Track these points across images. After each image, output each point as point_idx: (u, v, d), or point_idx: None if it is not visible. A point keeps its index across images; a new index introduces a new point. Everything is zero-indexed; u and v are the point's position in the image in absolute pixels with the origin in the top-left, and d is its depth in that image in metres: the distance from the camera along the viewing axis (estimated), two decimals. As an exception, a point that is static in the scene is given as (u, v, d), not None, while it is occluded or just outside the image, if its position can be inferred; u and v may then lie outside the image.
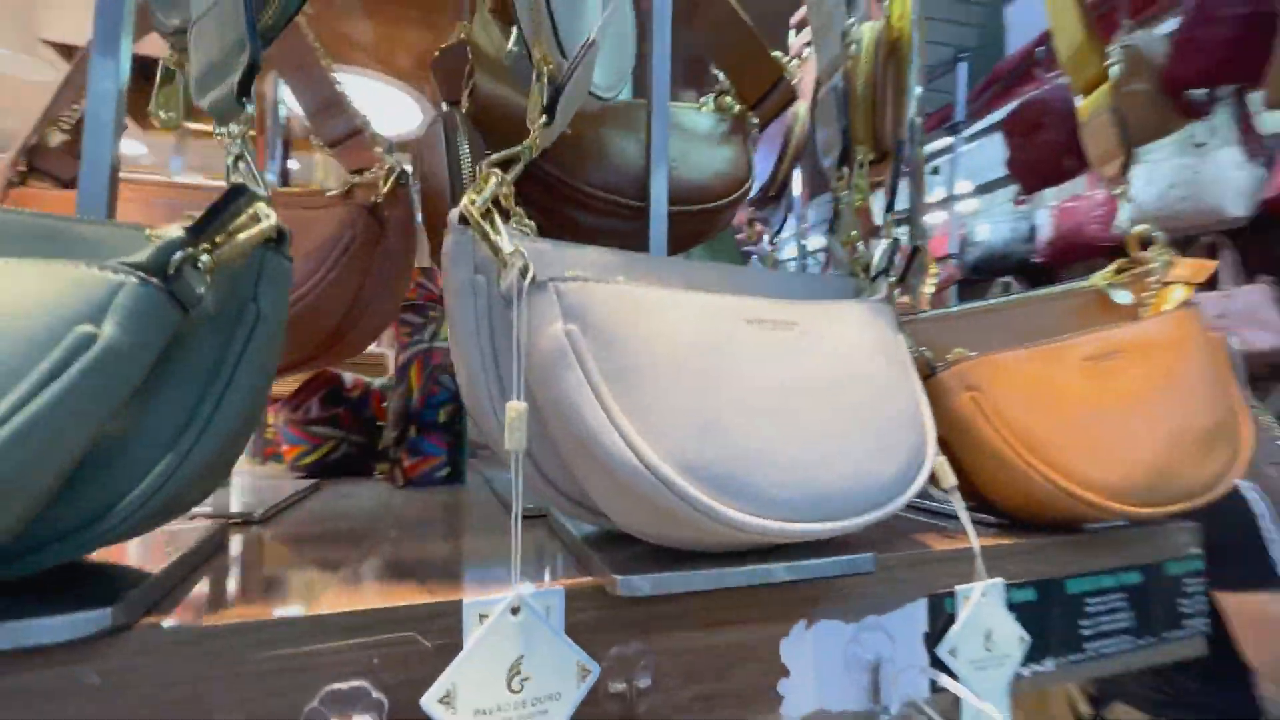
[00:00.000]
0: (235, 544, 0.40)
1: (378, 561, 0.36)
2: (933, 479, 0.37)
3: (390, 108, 1.13)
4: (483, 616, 0.26)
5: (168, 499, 0.25)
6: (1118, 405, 0.42)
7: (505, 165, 0.32)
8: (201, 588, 0.30)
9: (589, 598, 0.30)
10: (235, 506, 0.48)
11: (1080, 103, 0.56)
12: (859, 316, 0.37)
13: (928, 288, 0.57)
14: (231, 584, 0.32)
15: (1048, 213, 2.19)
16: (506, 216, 0.32)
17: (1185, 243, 1.71)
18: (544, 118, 0.33)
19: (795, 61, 0.71)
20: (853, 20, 0.45)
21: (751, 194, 0.70)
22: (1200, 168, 1.63)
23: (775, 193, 0.66)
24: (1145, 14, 1.62)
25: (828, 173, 0.47)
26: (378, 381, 0.76)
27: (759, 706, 0.33)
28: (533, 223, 0.33)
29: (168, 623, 0.25)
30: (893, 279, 0.44)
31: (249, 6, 0.28)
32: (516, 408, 0.27)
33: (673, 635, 0.31)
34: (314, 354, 0.48)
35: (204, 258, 0.24)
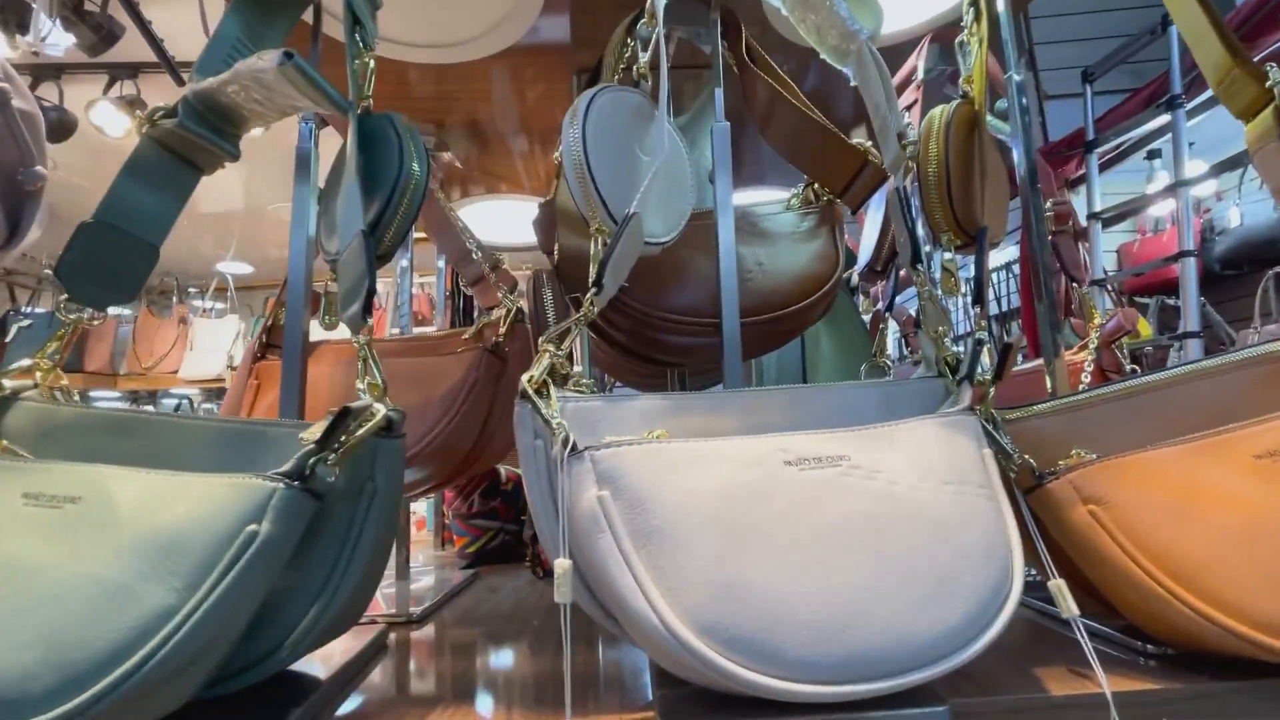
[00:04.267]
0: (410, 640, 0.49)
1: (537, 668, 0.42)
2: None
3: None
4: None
5: (316, 638, 0.33)
6: (1305, 516, 0.34)
7: (560, 338, 0.37)
8: (374, 687, 0.38)
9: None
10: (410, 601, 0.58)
11: (1245, 129, 0.47)
12: (930, 436, 0.36)
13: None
14: (415, 684, 0.39)
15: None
16: (565, 381, 0.37)
17: None
18: (594, 289, 0.38)
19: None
20: (907, 120, 0.44)
21: (860, 269, 0.68)
22: None
23: (881, 267, 0.64)
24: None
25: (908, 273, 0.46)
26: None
27: None
28: (590, 381, 0.38)
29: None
30: (988, 379, 0.41)
31: (369, 250, 0.38)
32: (564, 564, 0.31)
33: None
34: (451, 476, 0.57)
35: (331, 456, 0.32)
